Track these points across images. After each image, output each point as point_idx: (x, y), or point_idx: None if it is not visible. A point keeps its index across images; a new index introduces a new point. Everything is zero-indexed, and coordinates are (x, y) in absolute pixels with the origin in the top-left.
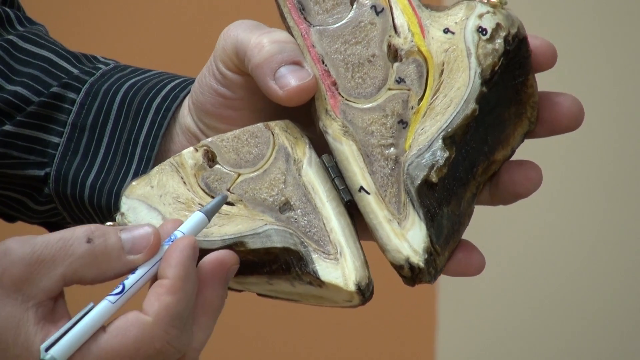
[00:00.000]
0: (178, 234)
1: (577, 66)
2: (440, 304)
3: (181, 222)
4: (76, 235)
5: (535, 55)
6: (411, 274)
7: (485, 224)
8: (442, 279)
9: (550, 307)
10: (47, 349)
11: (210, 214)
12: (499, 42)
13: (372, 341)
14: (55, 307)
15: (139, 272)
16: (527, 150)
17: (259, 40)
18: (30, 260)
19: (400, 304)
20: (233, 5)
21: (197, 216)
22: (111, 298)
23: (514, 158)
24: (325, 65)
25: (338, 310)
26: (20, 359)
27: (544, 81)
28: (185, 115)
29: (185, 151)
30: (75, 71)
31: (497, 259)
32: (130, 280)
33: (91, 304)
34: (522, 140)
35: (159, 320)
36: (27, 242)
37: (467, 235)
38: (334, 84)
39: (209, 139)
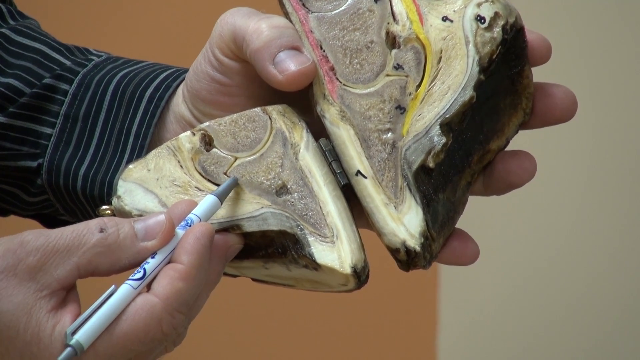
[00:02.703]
0: (193, 217)
1: (570, 58)
2: (442, 302)
3: (195, 204)
4: (89, 226)
5: (530, 49)
6: (407, 258)
7: (486, 220)
8: (443, 275)
9: (552, 302)
10: (72, 333)
11: (222, 196)
12: (497, 31)
13: (374, 339)
14: (68, 298)
15: (159, 257)
16: (521, 141)
17: (258, 25)
18: (45, 251)
19: (401, 301)
20: None
21: (209, 199)
22: (132, 283)
23: (507, 149)
24: (324, 51)
25: (338, 307)
26: (30, 345)
27: (537, 73)
28: (180, 104)
29: (182, 135)
30: (68, 63)
31: (498, 253)
32: (151, 265)
33: (113, 287)
34: (517, 131)
35: (167, 304)
36: (42, 233)
37: (466, 227)
38: (332, 69)
39: (206, 123)
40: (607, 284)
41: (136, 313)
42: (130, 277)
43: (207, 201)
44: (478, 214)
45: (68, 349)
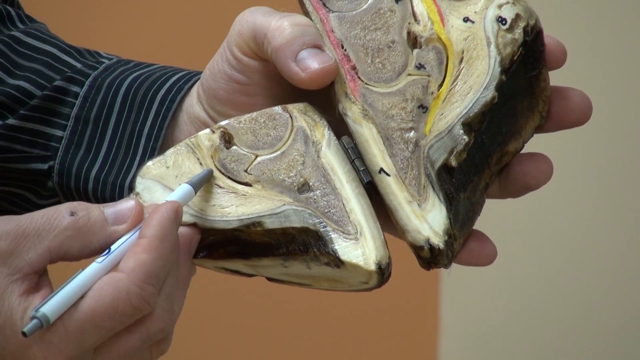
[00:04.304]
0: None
1: (585, 63)
2: (443, 307)
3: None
4: (60, 210)
5: (547, 53)
6: (430, 256)
7: (490, 221)
8: (445, 279)
9: (554, 306)
10: (37, 310)
11: (197, 186)
12: (518, 32)
13: (375, 342)
14: (40, 282)
15: (126, 236)
16: (536, 145)
17: (280, 23)
18: (16, 235)
19: (403, 305)
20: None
21: (183, 187)
22: (98, 259)
23: (523, 152)
24: (345, 50)
25: (340, 310)
26: (2, 329)
27: (552, 78)
28: (194, 105)
29: (201, 133)
30: (79, 65)
31: (501, 257)
32: (116, 243)
33: (80, 270)
34: (532, 134)
35: (133, 276)
36: (12, 218)
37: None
38: (354, 68)
39: (225, 121)
40: (616, 291)
41: (102, 288)
42: (98, 257)
43: (180, 189)
44: (482, 219)
45: (34, 321)
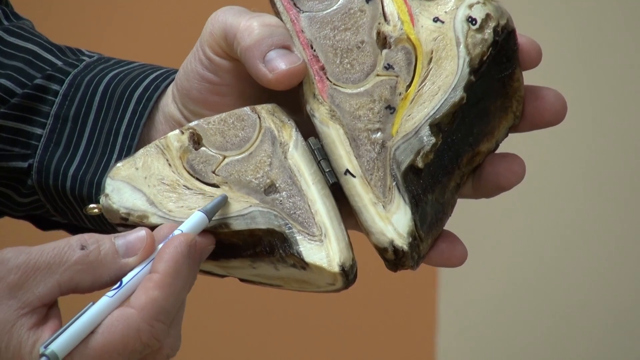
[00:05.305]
0: (177, 232)
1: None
2: (441, 304)
3: (177, 226)
4: (70, 243)
5: (520, 53)
6: (395, 258)
7: (489, 220)
8: (443, 276)
9: (551, 303)
10: (48, 345)
11: (210, 213)
12: (488, 33)
13: (373, 340)
14: (49, 314)
15: (137, 268)
16: (511, 144)
17: (249, 23)
18: (26, 268)
19: (400, 302)
20: None
21: (197, 216)
22: (109, 293)
23: (497, 152)
24: (314, 51)
25: (338, 307)
26: None
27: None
28: (169, 104)
29: (171, 134)
30: (59, 63)
31: (496, 255)
32: (127, 276)
33: (91, 303)
34: (507, 135)
35: (143, 313)
36: (23, 251)
37: (466, 229)
38: (322, 68)
39: (195, 122)
40: (605, 284)
41: (112, 325)
42: (109, 291)
43: (193, 218)
44: (478, 216)
45: (43, 359)
